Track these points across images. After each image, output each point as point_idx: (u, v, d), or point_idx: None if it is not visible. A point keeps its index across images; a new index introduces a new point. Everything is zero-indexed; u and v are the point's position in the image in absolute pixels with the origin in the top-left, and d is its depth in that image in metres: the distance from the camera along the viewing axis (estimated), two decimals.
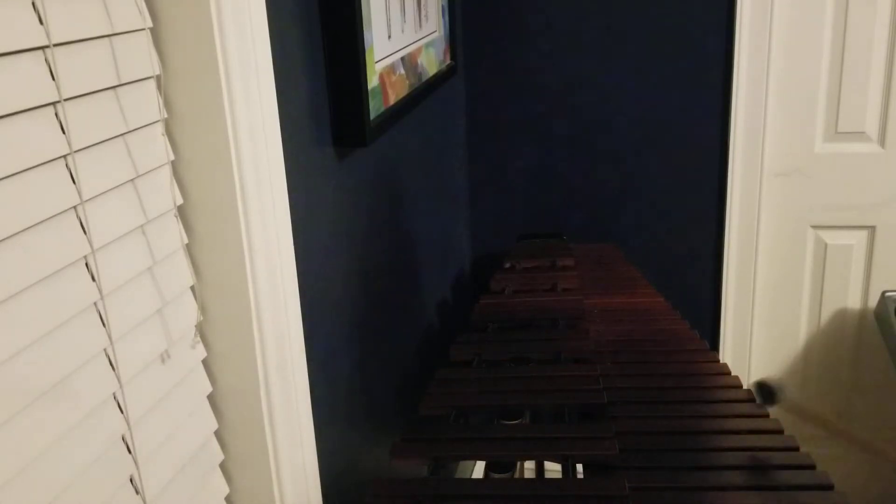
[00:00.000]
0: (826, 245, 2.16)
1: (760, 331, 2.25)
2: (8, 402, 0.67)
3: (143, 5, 0.84)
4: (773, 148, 2.06)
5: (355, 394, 1.34)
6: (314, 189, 1.15)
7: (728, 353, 2.23)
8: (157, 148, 0.88)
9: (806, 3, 1.99)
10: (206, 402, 1.00)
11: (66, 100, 0.73)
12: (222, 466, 1.04)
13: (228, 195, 0.92)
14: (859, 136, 2.00)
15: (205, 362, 0.99)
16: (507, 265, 1.93)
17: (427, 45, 1.66)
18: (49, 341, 0.73)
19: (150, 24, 0.86)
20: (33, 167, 0.70)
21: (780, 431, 1.22)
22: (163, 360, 0.90)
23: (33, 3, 0.69)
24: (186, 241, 0.94)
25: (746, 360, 2.24)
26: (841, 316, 2.21)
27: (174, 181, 0.92)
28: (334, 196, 1.22)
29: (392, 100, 1.39)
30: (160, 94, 0.88)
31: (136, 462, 0.85)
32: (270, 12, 0.96)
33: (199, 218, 0.94)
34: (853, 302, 2.19)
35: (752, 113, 2.01)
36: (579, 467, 1.15)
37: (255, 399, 1.00)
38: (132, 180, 0.85)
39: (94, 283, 0.78)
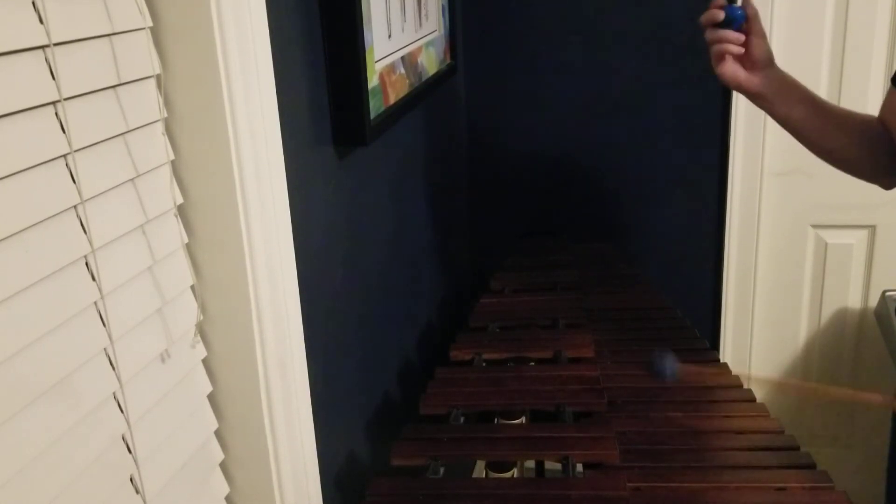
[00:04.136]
0: (826, 244, 2.16)
1: (760, 330, 2.25)
2: (8, 402, 0.67)
3: (144, 4, 0.84)
4: (773, 147, 2.06)
5: (355, 393, 1.34)
6: (314, 189, 1.15)
7: (728, 353, 2.23)
8: (157, 147, 0.88)
9: (806, 2, 1.99)
10: (207, 402, 1.00)
11: (66, 99, 0.73)
12: (222, 466, 1.04)
13: (228, 194, 0.92)
14: None
15: (205, 362, 0.99)
16: (507, 264, 1.93)
17: (427, 45, 1.66)
18: (49, 341, 0.73)
19: (150, 23, 0.85)
20: (33, 166, 0.70)
21: (780, 431, 1.22)
22: (163, 360, 0.90)
23: (33, 3, 0.69)
24: (186, 240, 0.94)
25: (746, 360, 2.24)
26: (841, 315, 2.21)
27: (174, 180, 0.92)
28: (334, 196, 1.22)
29: (392, 99, 1.39)
30: (160, 93, 0.88)
31: (136, 461, 0.84)
32: (270, 12, 0.96)
33: (199, 217, 0.94)
34: (853, 301, 2.19)
35: (752, 112, 2.01)
36: (579, 466, 1.15)
37: (256, 399, 1.00)
38: (132, 179, 0.85)
39: (94, 283, 0.78)
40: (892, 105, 1.13)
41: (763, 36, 1.14)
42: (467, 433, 1.22)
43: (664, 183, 2.14)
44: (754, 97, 1.18)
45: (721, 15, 1.13)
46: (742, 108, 2.01)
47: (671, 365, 1.15)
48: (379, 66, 1.31)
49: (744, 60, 1.15)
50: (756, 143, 2.04)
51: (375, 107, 1.28)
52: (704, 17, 1.15)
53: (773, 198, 2.13)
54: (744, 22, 1.13)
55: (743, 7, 1.12)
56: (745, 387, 1.33)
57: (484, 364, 1.44)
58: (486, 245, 2.31)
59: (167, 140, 0.90)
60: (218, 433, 1.02)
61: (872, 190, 1.23)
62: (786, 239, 2.18)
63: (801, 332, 2.25)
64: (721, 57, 1.15)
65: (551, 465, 1.30)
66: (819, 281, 2.19)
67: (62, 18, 0.73)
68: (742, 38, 1.13)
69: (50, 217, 0.72)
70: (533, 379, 1.35)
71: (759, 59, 1.15)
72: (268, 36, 0.94)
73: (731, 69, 1.15)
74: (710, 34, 1.16)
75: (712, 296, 2.20)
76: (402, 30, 1.47)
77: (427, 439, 1.20)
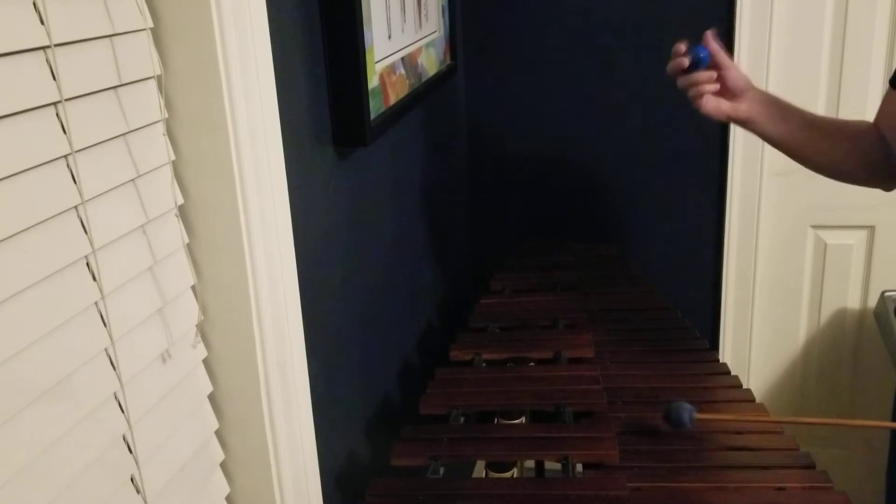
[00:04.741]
0: (826, 245, 2.16)
1: (760, 331, 2.25)
2: (9, 402, 0.67)
3: (144, 5, 0.84)
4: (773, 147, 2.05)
5: (355, 393, 1.35)
6: (314, 189, 1.15)
7: (728, 353, 2.23)
8: (157, 148, 0.89)
9: (806, 3, 1.99)
10: (207, 402, 1.00)
11: (67, 100, 0.73)
12: (223, 466, 1.04)
13: (229, 195, 0.92)
14: None
15: (205, 362, 0.99)
16: (507, 265, 1.93)
17: (427, 45, 1.66)
18: (50, 341, 0.73)
19: (150, 24, 0.86)
20: (34, 167, 0.71)
21: (780, 431, 1.22)
22: (163, 360, 0.90)
23: (34, 4, 0.70)
24: (187, 240, 0.95)
25: (746, 360, 2.24)
26: (841, 316, 2.21)
27: (175, 181, 0.92)
28: (334, 196, 1.22)
29: (392, 100, 1.39)
30: (161, 94, 0.88)
31: (136, 461, 0.85)
32: (270, 12, 0.96)
33: (199, 218, 0.94)
34: (853, 302, 2.19)
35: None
36: (579, 466, 1.15)
37: (256, 399, 1.00)
38: (133, 180, 0.85)
39: (94, 283, 0.79)
40: (890, 107, 1.13)
41: (732, 65, 1.15)
42: (467, 433, 1.22)
43: (664, 183, 2.14)
44: (743, 123, 1.19)
45: (686, 61, 1.14)
46: None
47: (689, 415, 1.16)
48: (379, 67, 1.31)
49: (723, 93, 1.17)
50: (756, 143, 2.04)
51: (375, 107, 1.28)
52: (671, 68, 1.16)
53: (773, 198, 2.14)
54: (710, 59, 1.14)
55: (705, 44, 1.14)
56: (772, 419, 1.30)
57: (484, 364, 1.44)
58: (486, 245, 2.31)
59: (168, 140, 0.90)
60: (218, 433, 1.02)
61: (872, 190, 1.23)
62: (785, 239, 2.18)
63: (800, 332, 2.25)
64: (699, 97, 1.16)
65: (551, 465, 1.30)
66: (818, 281, 2.19)
67: (63, 19, 0.73)
68: (713, 75, 1.15)
69: (51, 217, 0.73)
70: (533, 379, 1.35)
71: (736, 86, 1.16)
72: (268, 36, 0.95)
73: (713, 104, 1.17)
74: (681, 81, 1.17)
75: (712, 296, 2.20)
76: (402, 30, 1.47)
77: (427, 439, 1.20)
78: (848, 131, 1.18)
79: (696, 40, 1.16)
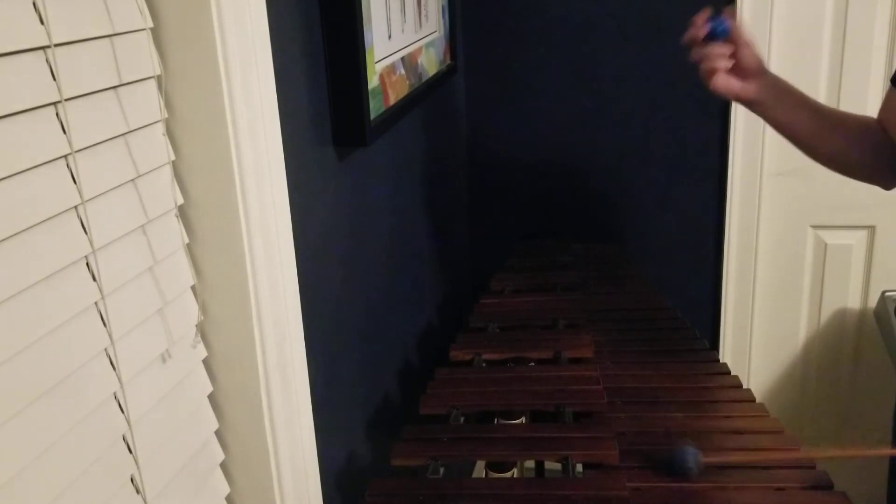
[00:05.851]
0: (826, 245, 2.16)
1: (760, 330, 2.25)
2: (9, 402, 0.67)
3: (144, 5, 0.84)
4: (773, 147, 2.06)
5: (355, 394, 1.35)
6: (314, 189, 1.15)
7: (728, 353, 2.23)
8: (157, 148, 0.89)
9: (806, 3, 1.99)
10: (207, 402, 1.00)
11: (67, 100, 0.73)
12: (223, 466, 1.04)
13: (229, 195, 0.92)
14: None
15: (205, 362, 0.99)
16: (507, 265, 1.93)
17: (427, 45, 1.66)
18: (50, 341, 0.73)
19: (150, 24, 0.86)
20: (34, 167, 0.71)
21: (780, 431, 1.22)
22: (163, 360, 0.90)
23: (34, 3, 0.70)
24: (187, 240, 0.95)
25: (746, 360, 2.24)
26: (841, 316, 2.21)
27: (175, 181, 0.92)
28: (334, 196, 1.22)
29: (392, 100, 1.39)
30: (161, 94, 0.88)
31: (136, 462, 0.85)
32: (270, 12, 0.96)
33: (199, 218, 0.94)
34: (853, 302, 2.19)
35: (752, 113, 2.01)
36: (579, 466, 1.15)
37: (256, 399, 1.00)
38: (133, 180, 0.85)
39: (94, 283, 0.79)
40: (892, 105, 1.13)
41: (750, 44, 1.14)
42: (467, 433, 1.22)
43: (664, 183, 2.14)
44: (751, 104, 1.18)
45: (704, 31, 1.13)
46: (742, 109, 2.01)
47: (694, 459, 1.11)
48: (379, 67, 1.31)
49: (735, 71, 1.15)
50: (756, 143, 2.04)
51: (375, 107, 1.28)
52: (688, 35, 1.15)
53: (773, 198, 2.14)
54: (728, 34, 1.13)
55: (725, 19, 1.12)
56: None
57: (484, 364, 1.44)
58: (486, 245, 2.31)
59: (168, 140, 0.90)
60: (218, 433, 1.02)
61: (872, 190, 1.23)
62: (785, 239, 2.18)
63: (800, 332, 2.25)
64: (711, 72, 1.14)
65: (551, 465, 1.30)
66: (819, 281, 2.19)
67: (63, 19, 0.73)
68: (729, 49, 1.13)
69: (51, 217, 0.73)
70: (533, 379, 1.35)
71: (749, 67, 1.14)
72: (268, 36, 0.95)
73: (723, 81, 1.15)
74: (696, 52, 1.15)
75: (712, 296, 2.20)
76: (402, 30, 1.47)
77: (427, 439, 1.20)
78: (854, 124, 1.18)
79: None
